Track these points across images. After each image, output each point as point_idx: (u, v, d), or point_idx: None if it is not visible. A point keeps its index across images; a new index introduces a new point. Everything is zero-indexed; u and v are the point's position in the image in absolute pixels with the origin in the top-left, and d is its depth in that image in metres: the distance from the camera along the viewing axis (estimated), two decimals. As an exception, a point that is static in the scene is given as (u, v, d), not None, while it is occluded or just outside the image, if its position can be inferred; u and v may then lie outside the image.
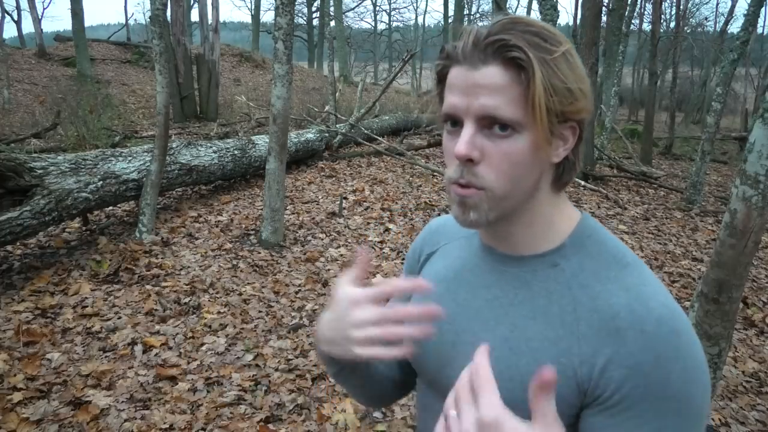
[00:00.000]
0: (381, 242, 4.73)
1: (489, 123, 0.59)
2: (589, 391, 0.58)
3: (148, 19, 5.35)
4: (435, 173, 7.33)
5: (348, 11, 32.90)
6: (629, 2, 11.84)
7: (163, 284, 3.49)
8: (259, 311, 3.29)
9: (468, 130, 0.59)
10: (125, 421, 2.24)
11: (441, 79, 0.65)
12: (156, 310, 3.17)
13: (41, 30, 16.81)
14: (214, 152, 5.43)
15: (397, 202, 5.99)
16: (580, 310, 0.60)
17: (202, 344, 2.88)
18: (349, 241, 4.69)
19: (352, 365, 0.73)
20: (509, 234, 0.66)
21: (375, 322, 0.62)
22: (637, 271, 0.62)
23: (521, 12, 31.66)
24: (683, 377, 0.56)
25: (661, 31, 14.71)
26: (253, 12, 28.26)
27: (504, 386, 0.59)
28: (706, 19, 36.66)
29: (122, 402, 2.35)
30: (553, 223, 0.66)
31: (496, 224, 0.64)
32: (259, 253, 4.19)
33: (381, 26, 38.98)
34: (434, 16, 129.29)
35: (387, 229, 5.07)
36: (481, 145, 0.59)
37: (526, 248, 0.66)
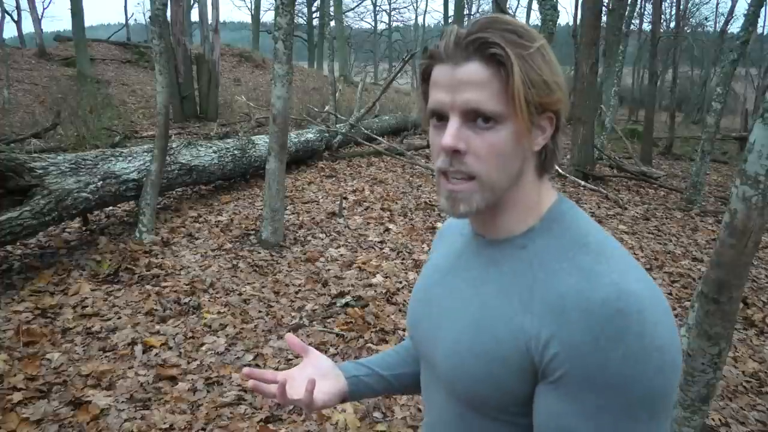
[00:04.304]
0: (381, 242, 4.73)
1: (473, 116, 0.63)
2: (538, 366, 0.60)
3: (148, 19, 5.35)
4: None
5: (348, 11, 32.93)
6: (629, 2, 11.83)
7: (163, 284, 3.49)
8: (259, 311, 3.29)
9: (454, 123, 0.63)
10: (125, 421, 2.24)
11: (425, 78, 0.68)
12: (156, 310, 3.17)
13: (41, 30, 16.80)
14: (214, 152, 5.43)
15: (397, 202, 5.99)
16: (537, 287, 0.63)
17: (202, 344, 2.88)
18: (349, 241, 4.69)
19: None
20: (493, 219, 0.70)
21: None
22: (596, 251, 0.62)
23: (521, 12, 31.69)
24: (624, 362, 0.55)
25: (661, 31, 14.70)
26: (253, 12, 28.27)
27: (470, 363, 0.66)
28: (706, 19, 36.76)
29: (122, 402, 2.35)
30: (531, 208, 0.69)
31: (483, 212, 0.68)
32: (259, 253, 4.19)
33: (381, 26, 39.03)
34: (434, 16, 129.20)
35: (387, 229, 5.07)
36: (467, 137, 0.63)
37: (505, 232, 0.70)
